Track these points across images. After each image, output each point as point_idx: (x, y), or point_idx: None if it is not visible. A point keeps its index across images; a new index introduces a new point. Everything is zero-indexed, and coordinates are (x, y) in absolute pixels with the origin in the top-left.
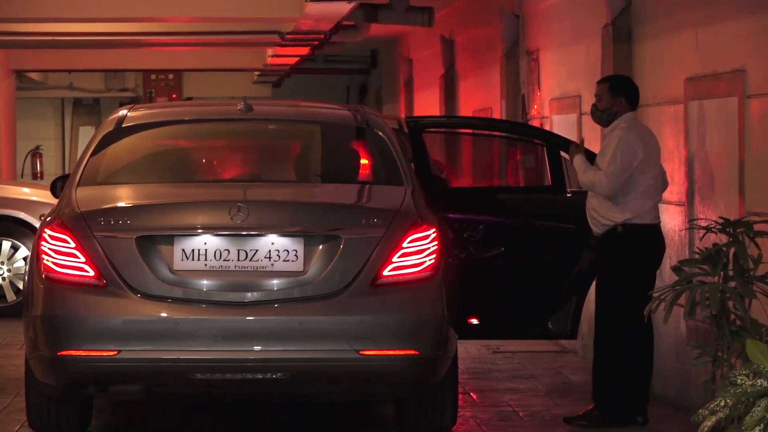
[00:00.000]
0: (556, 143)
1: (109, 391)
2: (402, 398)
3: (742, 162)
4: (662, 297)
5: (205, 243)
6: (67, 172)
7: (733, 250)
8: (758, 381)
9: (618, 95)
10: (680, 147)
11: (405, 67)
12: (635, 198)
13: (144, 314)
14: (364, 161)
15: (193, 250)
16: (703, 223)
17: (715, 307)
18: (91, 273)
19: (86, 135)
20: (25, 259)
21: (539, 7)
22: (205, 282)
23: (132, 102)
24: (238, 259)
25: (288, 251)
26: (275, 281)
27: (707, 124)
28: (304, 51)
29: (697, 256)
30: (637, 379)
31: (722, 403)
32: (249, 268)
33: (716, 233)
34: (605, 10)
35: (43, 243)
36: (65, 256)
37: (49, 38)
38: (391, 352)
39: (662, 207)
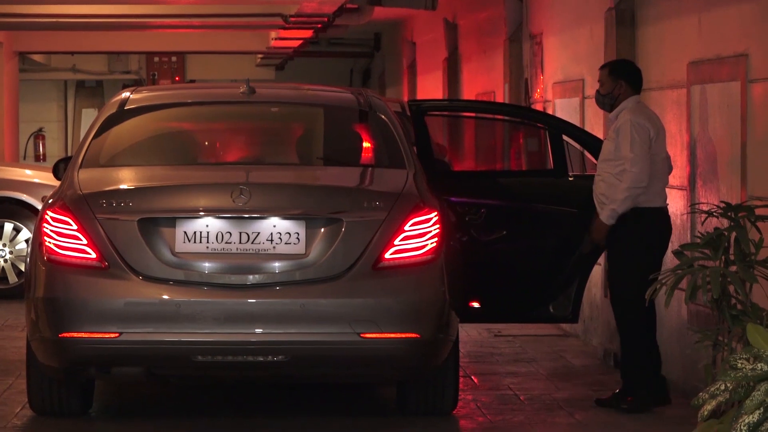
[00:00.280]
0: (559, 127)
1: (110, 373)
2: (403, 381)
3: (744, 146)
4: (663, 281)
5: (207, 225)
6: (69, 154)
7: (734, 234)
8: (758, 365)
9: (618, 78)
10: (683, 131)
11: (408, 50)
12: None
13: (146, 296)
14: (366, 144)
15: (195, 233)
16: (705, 208)
17: (716, 292)
18: (93, 255)
19: (89, 117)
20: (27, 241)
21: None
22: (206, 264)
23: (135, 84)
24: (240, 242)
25: (290, 234)
26: (277, 264)
27: (710, 109)
28: (308, 34)
29: (698, 240)
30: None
31: (722, 387)
32: (251, 251)
33: (718, 217)
34: None
35: (45, 225)
36: (67, 238)
37: (53, 20)
38: (392, 335)
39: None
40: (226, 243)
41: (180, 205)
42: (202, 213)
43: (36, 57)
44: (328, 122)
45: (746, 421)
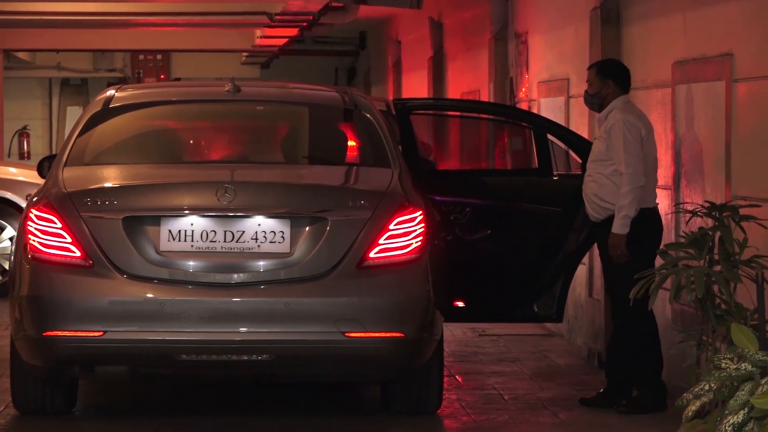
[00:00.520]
0: (544, 126)
1: (94, 372)
2: (387, 380)
3: (729, 146)
4: (648, 281)
5: (192, 224)
6: (54, 152)
7: (718, 234)
8: (742, 365)
9: (606, 78)
10: (667, 130)
11: (393, 49)
12: None
13: (130, 295)
14: (351, 143)
15: (179, 231)
16: (690, 207)
17: (700, 291)
18: (78, 253)
19: (74, 115)
20: (11, 239)
21: None
22: (191, 263)
23: (120, 82)
24: (225, 241)
25: (275, 233)
26: (261, 263)
27: (695, 108)
28: (293, 32)
29: (683, 240)
30: (624, 363)
31: (706, 387)
32: (235, 250)
33: (702, 217)
34: None
35: (29, 223)
36: (52, 237)
37: (38, 17)
38: (376, 334)
39: None
40: (211, 242)
41: (165, 204)
42: (186, 211)
43: (21, 54)
44: (314, 121)
45: (731, 421)
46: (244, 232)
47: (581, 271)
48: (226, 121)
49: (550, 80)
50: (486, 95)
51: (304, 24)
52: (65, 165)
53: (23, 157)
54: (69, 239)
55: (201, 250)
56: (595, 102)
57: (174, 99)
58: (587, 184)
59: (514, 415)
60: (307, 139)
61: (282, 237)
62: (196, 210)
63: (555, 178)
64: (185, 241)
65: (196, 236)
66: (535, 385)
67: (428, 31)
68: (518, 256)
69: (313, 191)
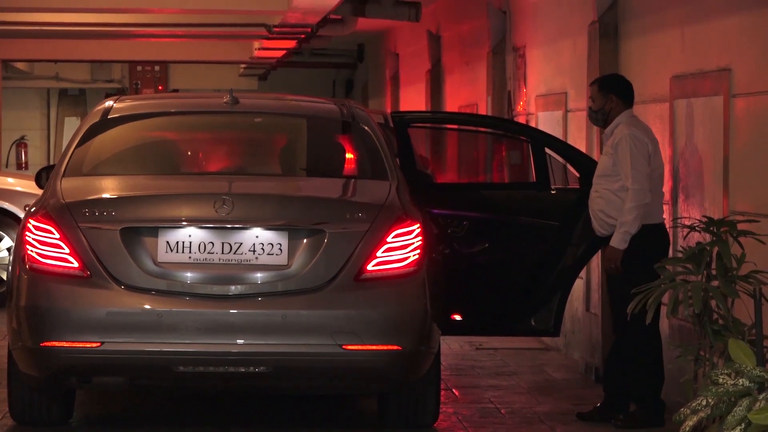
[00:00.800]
0: (541, 140)
1: (91, 383)
2: (384, 393)
3: (727, 161)
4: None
5: (190, 235)
6: (52, 162)
7: (716, 249)
8: (740, 380)
9: (609, 93)
10: (665, 145)
11: (391, 61)
12: None
13: (127, 306)
14: (349, 155)
15: (177, 243)
16: (688, 222)
17: (698, 306)
18: (76, 264)
19: (72, 126)
20: (9, 249)
21: (526, 4)
22: (188, 274)
23: (118, 93)
24: (222, 252)
25: (272, 245)
26: (259, 275)
27: (692, 123)
28: (291, 44)
29: (680, 255)
30: (621, 377)
31: (704, 402)
32: (233, 261)
33: (700, 232)
34: (592, 7)
35: (27, 233)
36: (50, 247)
37: (36, 28)
38: (373, 347)
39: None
40: (209, 253)
41: (163, 215)
42: (184, 223)
43: (19, 65)
44: (312, 133)
45: None
46: (241, 243)
47: (578, 285)
48: (224, 133)
49: (547, 94)
50: (484, 108)
51: (303, 36)
52: (63, 175)
53: (21, 167)
54: (67, 250)
55: (199, 261)
56: (599, 118)
57: (172, 110)
58: (593, 200)
59: (510, 429)
60: (305, 151)
61: (280, 249)
62: (194, 221)
63: (553, 192)
64: (183, 252)
65: (194, 248)
66: (532, 399)
67: (426, 44)
68: (516, 270)
69: (311, 203)
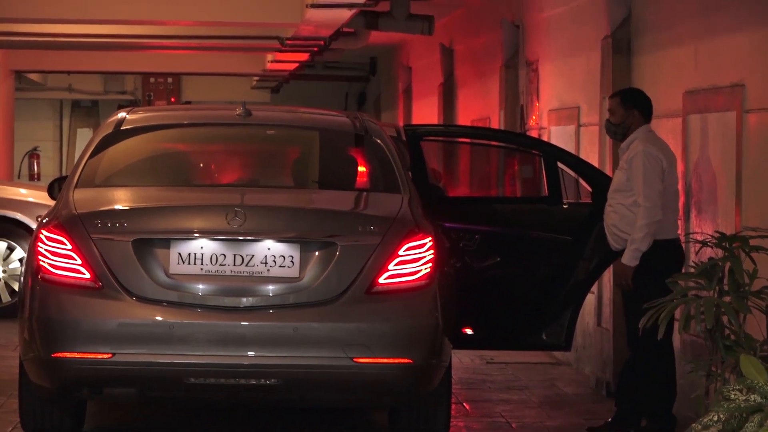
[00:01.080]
0: (554, 154)
1: (102, 394)
2: (395, 406)
3: (740, 176)
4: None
5: (202, 247)
6: (64, 173)
7: (728, 264)
8: (751, 396)
9: (631, 108)
10: (678, 160)
11: (404, 75)
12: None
13: (139, 317)
14: (361, 168)
15: (189, 254)
16: (700, 237)
17: (709, 322)
18: (87, 275)
19: (84, 137)
20: (21, 260)
21: (539, 18)
22: (200, 286)
23: (131, 105)
24: (234, 264)
25: (284, 257)
26: (271, 287)
27: (705, 138)
28: (304, 57)
29: (692, 270)
30: (633, 392)
31: (715, 418)
32: (245, 273)
33: (712, 247)
34: (605, 22)
35: (39, 244)
36: (61, 258)
37: (49, 39)
38: (385, 360)
39: None
40: (221, 265)
41: (175, 227)
42: (196, 234)
43: (32, 76)
44: (324, 146)
45: None
46: (253, 256)
47: (590, 300)
48: (236, 145)
49: (560, 108)
50: (496, 122)
51: (315, 49)
52: (76, 186)
53: (33, 178)
54: (79, 261)
55: (210, 273)
56: (619, 132)
57: (185, 122)
58: (608, 215)
59: None
60: (317, 164)
61: (291, 261)
62: (206, 233)
63: (565, 207)
64: (195, 264)
65: (206, 259)
66: (542, 413)
67: (439, 58)
68: (527, 284)
69: (323, 216)
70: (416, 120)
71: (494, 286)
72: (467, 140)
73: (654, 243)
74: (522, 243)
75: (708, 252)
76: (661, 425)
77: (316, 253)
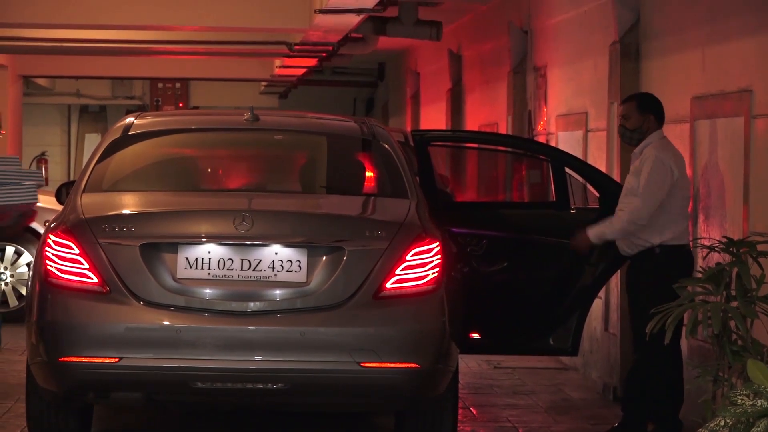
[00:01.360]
0: (561, 159)
1: (109, 398)
2: (402, 411)
3: (747, 182)
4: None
5: (209, 252)
6: (72, 178)
7: (736, 269)
8: (758, 401)
9: (647, 113)
10: (686, 165)
11: (412, 80)
12: (673, 219)
13: (146, 322)
14: (369, 173)
15: (196, 259)
16: (707, 242)
17: (716, 327)
18: (95, 279)
19: (92, 142)
20: (28, 264)
21: (547, 24)
22: (207, 291)
23: (138, 110)
24: (242, 269)
25: (291, 262)
26: (278, 291)
27: (713, 143)
28: (312, 62)
29: (700, 275)
30: (640, 397)
31: (722, 423)
32: (252, 278)
33: (720, 252)
34: (613, 28)
35: (47, 249)
36: (69, 262)
37: (57, 44)
38: (392, 365)
39: None
40: (228, 270)
41: (182, 231)
42: (204, 239)
43: (40, 81)
44: (332, 150)
45: None
46: (261, 260)
47: (597, 304)
48: (244, 150)
49: (568, 114)
50: (504, 128)
51: (323, 54)
52: (84, 191)
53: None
54: (86, 265)
55: (218, 278)
56: (635, 137)
57: (193, 127)
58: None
59: None
60: (325, 169)
61: (299, 266)
62: (213, 238)
63: (572, 212)
64: (202, 268)
65: (213, 264)
66: (549, 418)
67: (447, 63)
68: (534, 289)
69: (331, 221)
70: (424, 125)
71: (501, 291)
72: (475, 145)
73: (665, 248)
74: (529, 248)
75: (715, 257)
76: (667, 430)
77: (324, 257)
